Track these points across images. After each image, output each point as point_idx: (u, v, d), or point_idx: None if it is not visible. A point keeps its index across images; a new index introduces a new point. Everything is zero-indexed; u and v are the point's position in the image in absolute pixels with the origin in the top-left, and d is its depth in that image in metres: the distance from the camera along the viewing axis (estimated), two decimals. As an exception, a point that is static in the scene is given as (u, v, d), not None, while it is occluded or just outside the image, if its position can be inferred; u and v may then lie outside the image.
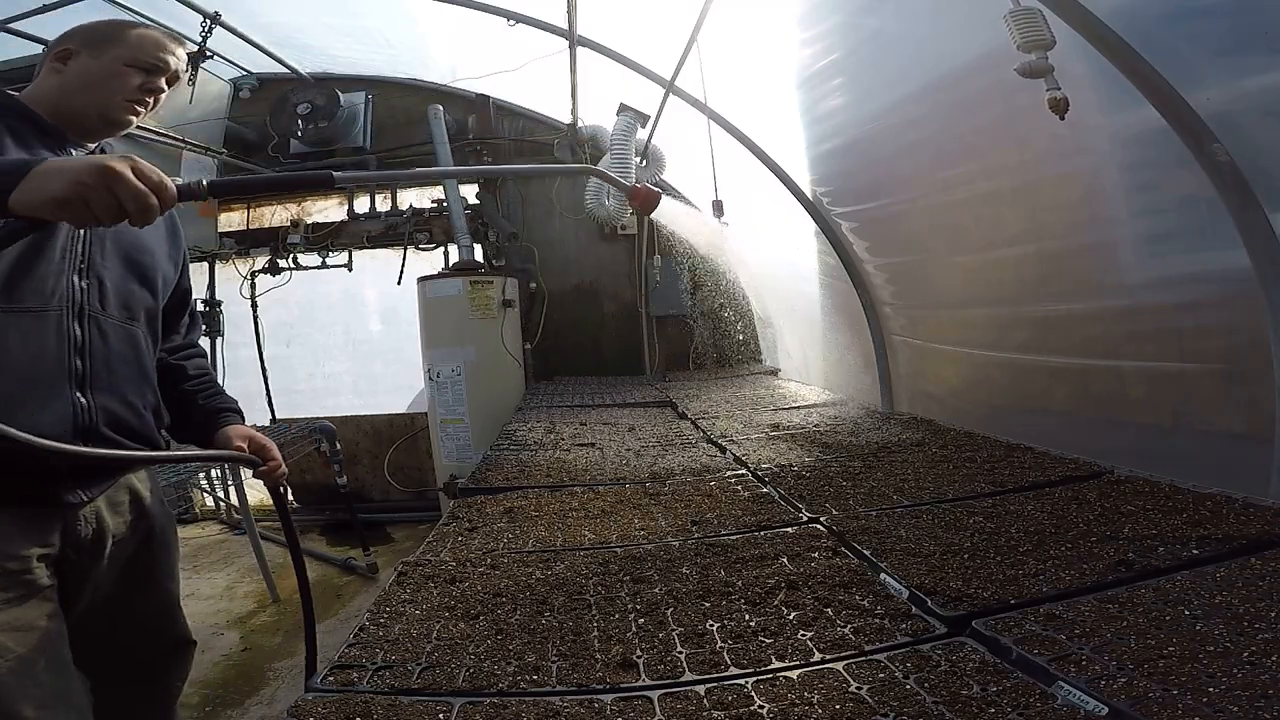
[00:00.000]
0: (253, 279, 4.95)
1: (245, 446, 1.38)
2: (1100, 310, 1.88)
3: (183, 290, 1.48)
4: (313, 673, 1.04)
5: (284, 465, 1.43)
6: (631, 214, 4.50)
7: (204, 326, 4.75)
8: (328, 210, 5.06)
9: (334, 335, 5.28)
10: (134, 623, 1.33)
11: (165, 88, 1.31)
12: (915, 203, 2.52)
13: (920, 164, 2.37)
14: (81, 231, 1.19)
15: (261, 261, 4.93)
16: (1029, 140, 1.83)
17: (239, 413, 1.48)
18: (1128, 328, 1.80)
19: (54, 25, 3.59)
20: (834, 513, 1.52)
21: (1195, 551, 1.12)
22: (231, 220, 5.00)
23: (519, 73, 4.19)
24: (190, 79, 3.99)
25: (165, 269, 1.38)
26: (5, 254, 1.07)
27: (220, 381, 1.56)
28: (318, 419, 4.03)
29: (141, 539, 1.33)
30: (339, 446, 3.92)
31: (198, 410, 1.45)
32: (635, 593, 1.17)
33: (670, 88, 3.03)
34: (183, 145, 3.95)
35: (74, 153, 1.24)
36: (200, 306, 4.94)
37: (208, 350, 1.86)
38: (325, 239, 4.87)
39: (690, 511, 1.61)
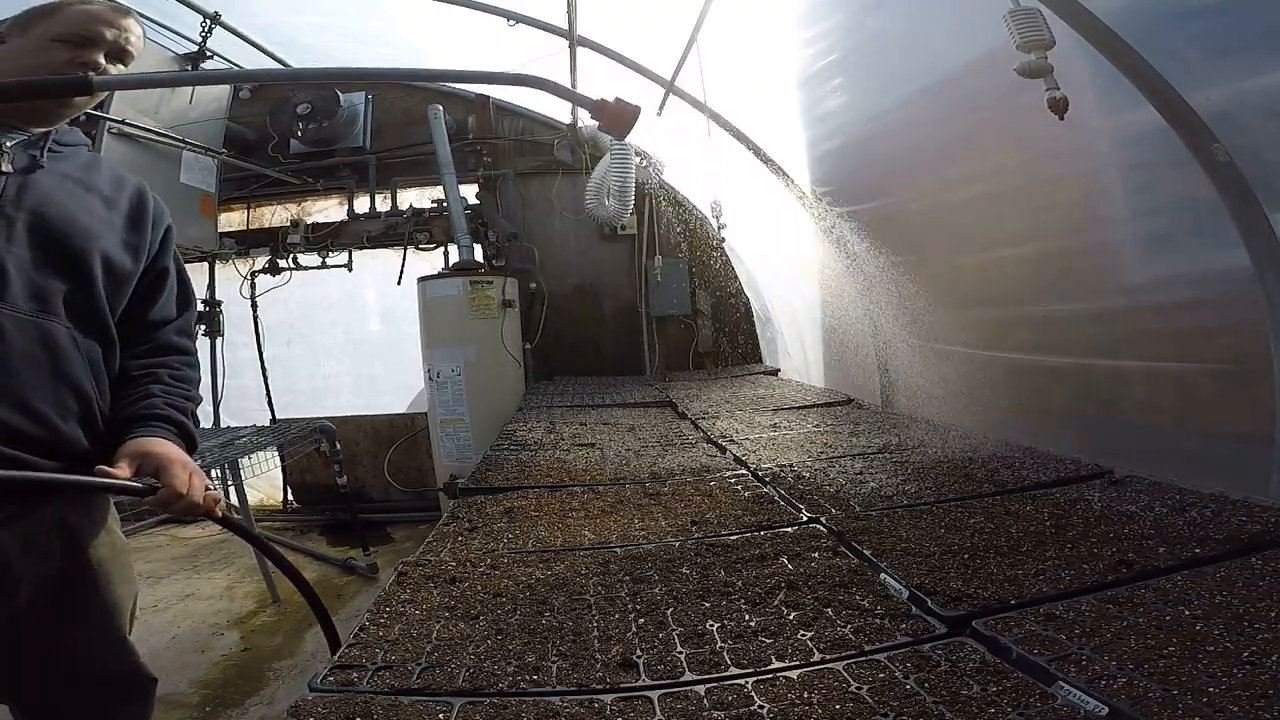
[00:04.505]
0: (253, 279, 4.95)
1: (127, 467, 1.11)
2: (1100, 310, 1.87)
3: (156, 277, 1.30)
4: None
5: (195, 495, 1.16)
6: (632, 214, 4.50)
7: (200, 326, 4.77)
8: (328, 210, 5.06)
9: (334, 335, 5.28)
10: (69, 660, 1.19)
11: (103, 62, 1.20)
12: (915, 203, 2.52)
13: (920, 164, 2.37)
14: None
15: (261, 261, 4.93)
16: (1029, 140, 1.83)
17: (164, 422, 1.21)
18: (1128, 328, 1.80)
19: (54, 25, 3.58)
20: (834, 513, 1.52)
21: (1195, 551, 1.12)
22: (231, 220, 5.00)
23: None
24: (190, 79, 3.99)
25: (115, 256, 1.20)
26: None
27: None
28: (318, 419, 4.03)
29: (72, 577, 1.18)
30: (339, 446, 3.92)
31: (117, 420, 1.20)
32: (635, 593, 1.17)
33: (670, 88, 3.04)
34: (183, 145, 3.95)
35: (13, 138, 1.14)
36: (200, 307, 4.95)
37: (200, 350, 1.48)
38: (325, 239, 4.86)
39: (690, 511, 1.61)
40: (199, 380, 1.37)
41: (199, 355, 1.40)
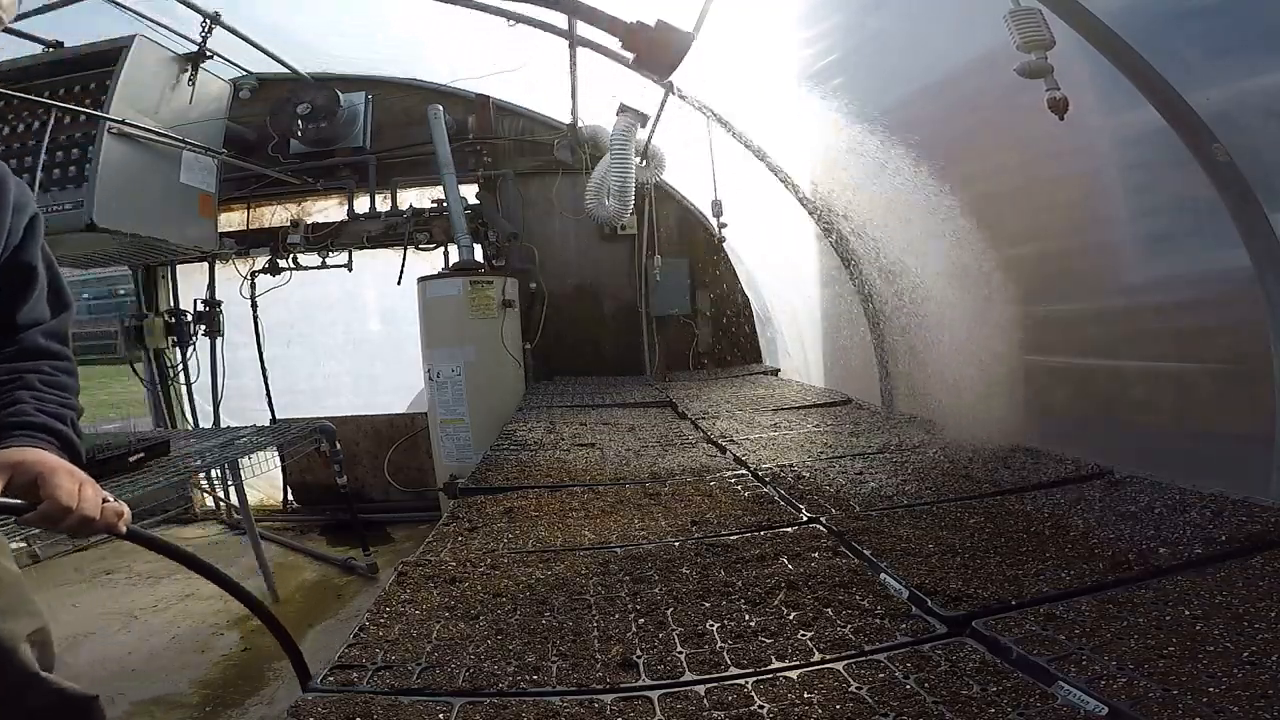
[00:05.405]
0: (253, 279, 4.95)
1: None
2: (1100, 310, 1.88)
3: (19, 272, 1.13)
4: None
5: (89, 508, 0.95)
6: (632, 214, 4.50)
7: (200, 326, 4.74)
8: (328, 210, 5.06)
9: (334, 335, 5.28)
10: None
11: None
12: (915, 203, 2.52)
13: (920, 164, 2.37)
14: None
15: (261, 261, 4.93)
16: (1029, 140, 1.83)
17: (39, 430, 1.04)
18: (1128, 328, 1.80)
19: (54, 25, 3.59)
20: (834, 513, 1.52)
21: (1195, 551, 1.12)
22: (231, 220, 4.99)
23: (519, 73, 4.18)
24: (190, 79, 3.99)
25: None
26: None
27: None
28: (318, 419, 4.03)
29: None
30: (339, 446, 3.92)
31: None
32: (635, 593, 1.17)
33: (670, 88, 3.03)
34: (183, 145, 3.95)
35: None
36: (200, 307, 4.95)
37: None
38: (325, 239, 4.86)
39: (690, 511, 1.61)
40: (78, 389, 1.19)
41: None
